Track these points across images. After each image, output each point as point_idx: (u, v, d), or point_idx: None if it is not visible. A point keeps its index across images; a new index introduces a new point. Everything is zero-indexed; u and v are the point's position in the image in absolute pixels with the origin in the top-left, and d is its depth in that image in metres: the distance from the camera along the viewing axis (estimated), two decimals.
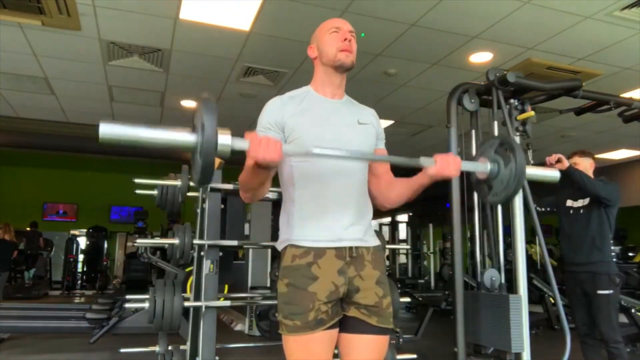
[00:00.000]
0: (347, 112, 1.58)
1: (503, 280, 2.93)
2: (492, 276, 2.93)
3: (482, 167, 1.52)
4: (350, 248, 1.47)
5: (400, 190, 1.57)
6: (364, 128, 1.58)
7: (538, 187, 3.38)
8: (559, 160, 3.06)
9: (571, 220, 3.24)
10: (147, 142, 1.13)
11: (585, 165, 3.26)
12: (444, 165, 1.41)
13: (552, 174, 1.67)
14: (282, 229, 1.54)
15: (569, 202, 3.29)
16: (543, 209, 3.43)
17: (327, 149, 1.36)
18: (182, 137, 1.15)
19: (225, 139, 1.15)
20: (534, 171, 1.64)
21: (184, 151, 1.17)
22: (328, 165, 1.49)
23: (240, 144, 1.20)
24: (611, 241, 3.13)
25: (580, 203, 3.24)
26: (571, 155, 3.30)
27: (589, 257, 3.11)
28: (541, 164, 3.15)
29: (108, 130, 1.07)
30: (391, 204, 1.63)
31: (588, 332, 3.17)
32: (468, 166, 1.51)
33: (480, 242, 3.17)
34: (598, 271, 3.08)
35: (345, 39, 1.54)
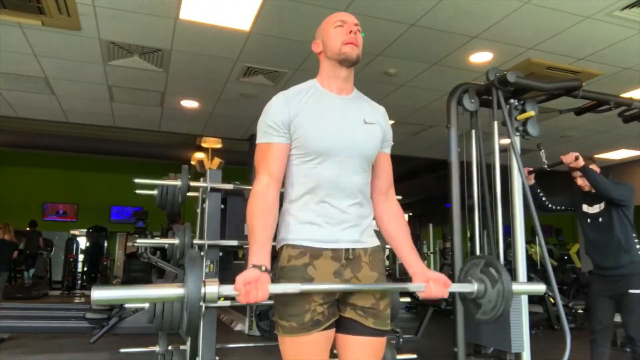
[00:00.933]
0: (354, 110, 1.54)
1: None
2: None
3: (469, 289, 1.55)
4: (347, 250, 1.46)
5: (394, 243, 1.60)
6: (370, 128, 1.54)
7: (546, 185, 3.40)
8: (576, 158, 3.09)
9: (592, 227, 3.25)
10: (137, 299, 1.28)
11: None
12: (431, 293, 1.46)
13: (538, 288, 1.68)
14: (279, 228, 1.52)
15: (585, 208, 3.29)
16: (556, 207, 3.44)
17: (316, 285, 1.39)
18: (170, 292, 1.26)
19: (212, 289, 1.24)
20: (521, 287, 1.74)
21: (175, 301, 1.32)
22: (330, 166, 1.47)
23: (228, 292, 1.26)
24: (636, 240, 3.11)
25: (596, 209, 3.23)
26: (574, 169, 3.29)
27: (618, 261, 3.10)
28: (556, 163, 3.17)
29: (100, 294, 1.16)
30: (382, 232, 1.64)
31: (603, 333, 3.16)
32: (456, 288, 1.57)
33: (480, 242, 3.17)
34: (629, 273, 3.07)
35: (350, 32, 1.52)
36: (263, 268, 1.31)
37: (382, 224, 1.62)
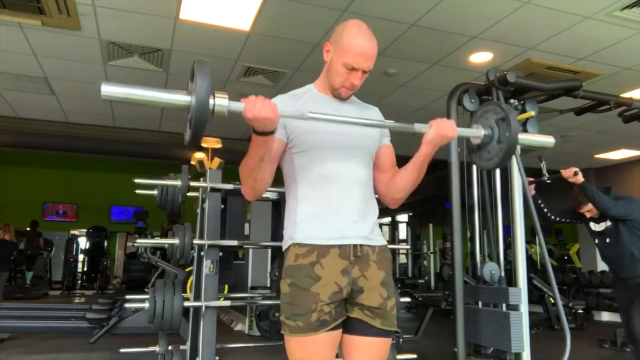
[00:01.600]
0: (349, 110, 1.56)
1: (502, 274, 2.93)
2: (492, 269, 2.94)
3: (476, 133, 1.56)
4: (355, 246, 1.45)
5: (406, 174, 1.55)
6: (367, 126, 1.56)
7: (547, 191, 3.40)
8: (575, 173, 3.07)
9: (602, 244, 3.26)
10: (146, 100, 1.22)
11: None
12: (440, 127, 1.44)
13: (546, 140, 1.67)
14: (286, 228, 1.52)
15: (593, 225, 3.29)
16: (559, 219, 3.44)
17: (322, 114, 1.37)
18: (177, 98, 1.22)
19: (222, 101, 1.21)
20: (527, 137, 1.67)
21: (180, 110, 1.24)
22: (331, 161, 1.47)
23: (236, 105, 1.24)
24: None
25: (603, 226, 3.23)
26: (580, 207, 3.27)
27: (633, 272, 3.10)
28: (556, 171, 3.17)
29: (109, 89, 1.16)
30: (400, 194, 1.59)
31: None
32: (463, 131, 1.56)
33: (480, 242, 3.17)
34: None
35: (352, 83, 1.50)
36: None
37: (395, 183, 1.58)
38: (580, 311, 7.13)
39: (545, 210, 3.35)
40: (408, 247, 10.37)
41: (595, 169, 9.39)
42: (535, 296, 6.77)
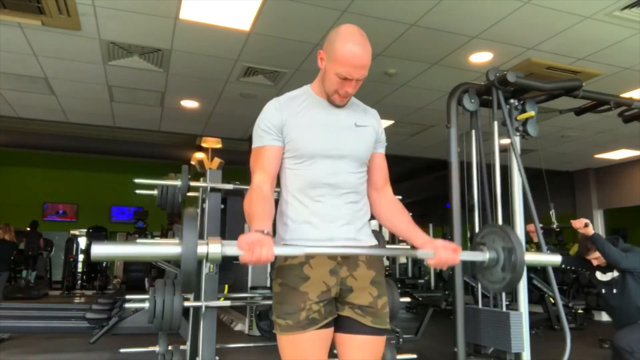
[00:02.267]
0: (345, 115, 1.56)
1: None
2: None
3: (481, 257, 1.51)
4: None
5: (396, 226, 1.59)
6: (362, 130, 1.56)
7: (546, 185, 3.38)
8: (586, 225, 3.04)
9: (609, 295, 3.23)
10: (137, 256, 1.24)
11: None
12: (442, 260, 1.41)
13: (553, 259, 1.63)
14: (277, 229, 1.55)
15: (599, 275, 3.27)
16: (567, 267, 3.42)
17: (321, 247, 1.40)
18: (167, 250, 1.25)
19: (215, 248, 1.21)
20: (534, 257, 1.62)
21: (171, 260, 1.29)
22: (322, 166, 1.49)
23: (232, 251, 1.23)
24: None
25: (609, 276, 3.21)
26: (588, 253, 3.26)
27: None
28: (564, 226, 3.13)
29: (99, 250, 1.15)
30: (383, 222, 1.64)
31: None
32: (468, 255, 1.52)
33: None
34: None
35: (346, 92, 1.49)
36: (265, 231, 1.27)
37: (382, 215, 1.62)
38: (580, 311, 7.13)
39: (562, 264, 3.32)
40: (408, 247, 10.34)
41: (595, 169, 9.39)
42: (535, 296, 6.77)
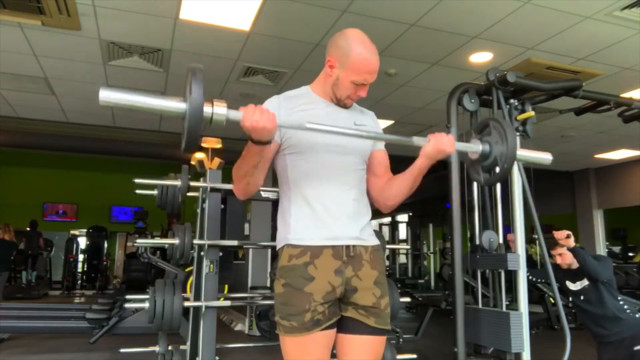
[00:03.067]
0: (344, 115, 1.57)
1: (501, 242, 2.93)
2: (490, 237, 2.93)
3: (474, 148, 1.55)
4: (348, 247, 1.47)
5: (400, 182, 1.56)
6: (360, 129, 1.56)
7: (546, 185, 3.34)
8: (568, 236, 2.99)
9: (580, 303, 3.16)
10: (141, 107, 1.20)
11: (571, 255, 3.14)
12: (438, 141, 1.45)
13: (544, 156, 1.66)
14: (279, 228, 1.54)
15: (569, 284, 3.19)
16: (538, 280, 3.37)
17: (320, 124, 1.37)
18: (173, 104, 1.21)
19: (220, 109, 1.22)
20: (526, 153, 1.66)
21: (175, 116, 1.23)
22: (324, 163, 1.49)
23: (235, 114, 1.24)
24: (621, 302, 3.03)
25: (579, 285, 3.13)
26: (554, 247, 3.18)
27: (615, 329, 3.04)
28: (549, 231, 3.10)
29: (107, 94, 1.15)
30: (393, 201, 1.60)
31: None
32: (461, 146, 1.56)
33: (480, 242, 3.16)
34: (630, 334, 3.00)
35: (359, 96, 1.54)
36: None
37: (384, 187, 1.60)
38: None
39: (528, 274, 3.21)
40: (408, 247, 10.36)
41: (595, 169, 9.39)
42: (535, 296, 6.77)
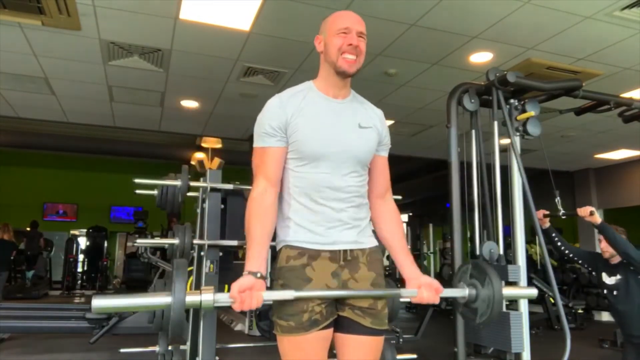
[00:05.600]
0: (349, 114, 1.54)
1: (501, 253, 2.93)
2: (491, 248, 2.93)
3: (461, 293, 1.58)
4: (345, 251, 1.48)
5: (387, 243, 1.62)
6: (365, 132, 1.54)
7: (546, 185, 3.36)
8: (591, 213, 3.01)
9: (613, 299, 3.19)
10: (132, 307, 1.38)
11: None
12: (424, 298, 1.48)
13: (528, 292, 1.72)
14: (278, 229, 1.54)
15: (605, 278, 3.22)
16: (575, 258, 3.35)
17: (313, 291, 1.41)
18: (158, 300, 1.35)
19: (208, 297, 1.29)
20: (511, 292, 1.72)
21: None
22: (325, 168, 1.48)
23: (224, 299, 1.30)
24: None
25: (613, 280, 3.17)
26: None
27: None
28: (571, 214, 3.10)
29: (99, 302, 1.25)
30: (380, 232, 1.65)
31: None
32: (448, 293, 1.59)
33: (480, 242, 3.16)
34: None
35: (350, 44, 1.48)
36: (258, 275, 1.34)
37: (379, 227, 1.64)
38: (580, 311, 7.13)
39: (560, 244, 3.25)
40: (408, 247, 10.34)
41: (595, 169, 9.39)
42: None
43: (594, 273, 3.33)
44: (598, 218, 3.04)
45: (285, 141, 1.48)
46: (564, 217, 3.15)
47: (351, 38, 1.49)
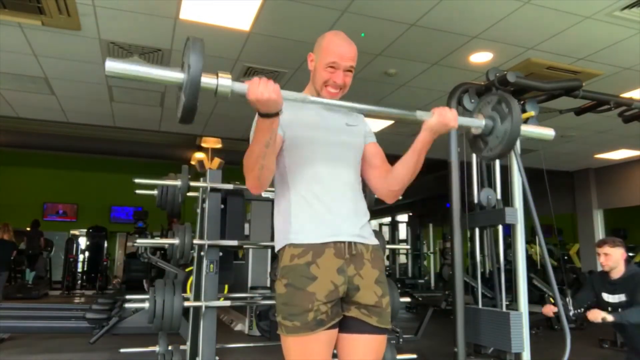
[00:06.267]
0: (337, 117, 1.61)
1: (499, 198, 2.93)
2: (489, 195, 2.93)
3: (477, 123, 1.56)
4: (350, 244, 1.47)
5: (404, 162, 1.55)
6: (353, 129, 1.62)
7: (546, 185, 3.36)
8: (603, 319, 2.93)
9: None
10: (143, 77, 1.26)
11: (617, 257, 3.14)
12: (442, 114, 1.47)
13: (547, 132, 1.67)
14: (278, 229, 1.54)
15: (606, 297, 3.19)
16: (581, 309, 3.28)
17: (322, 98, 1.45)
18: (172, 75, 1.25)
19: (225, 81, 1.24)
20: (529, 129, 1.66)
21: (173, 85, 1.28)
22: (320, 161, 1.51)
23: (240, 86, 1.26)
24: None
25: (617, 299, 3.13)
26: (601, 245, 3.18)
27: None
28: (580, 315, 3.08)
29: (113, 65, 1.23)
30: (398, 185, 1.59)
31: None
32: (464, 120, 1.56)
33: (480, 241, 3.17)
34: None
35: (335, 82, 1.54)
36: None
37: (387, 176, 1.60)
38: (580, 311, 7.10)
39: (571, 310, 3.16)
40: (408, 247, 10.35)
41: (595, 169, 9.39)
42: (535, 296, 6.77)
43: (596, 299, 3.27)
44: (609, 317, 2.94)
45: (282, 132, 1.49)
46: (573, 318, 3.11)
47: (337, 76, 1.55)
